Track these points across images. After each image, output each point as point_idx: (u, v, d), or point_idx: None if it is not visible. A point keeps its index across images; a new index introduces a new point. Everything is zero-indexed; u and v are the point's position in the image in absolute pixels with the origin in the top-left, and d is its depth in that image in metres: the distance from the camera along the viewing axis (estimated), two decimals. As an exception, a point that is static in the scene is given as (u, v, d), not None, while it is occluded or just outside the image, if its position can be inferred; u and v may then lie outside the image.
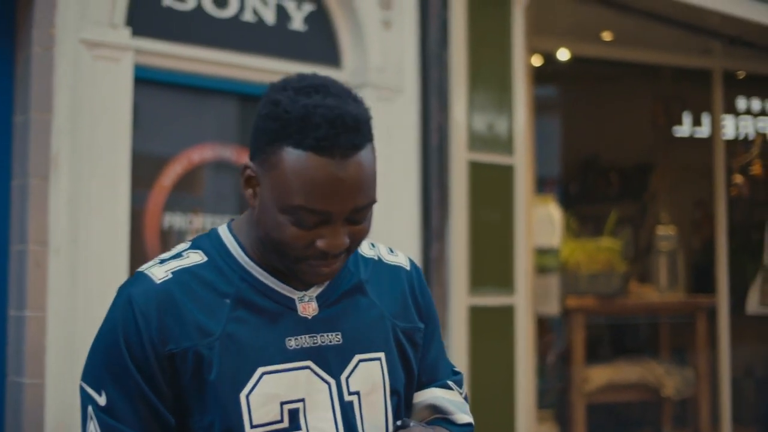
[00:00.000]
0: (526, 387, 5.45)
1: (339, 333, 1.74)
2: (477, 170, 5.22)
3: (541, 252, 6.14)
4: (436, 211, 5.05)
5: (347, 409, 1.72)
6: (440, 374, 1.94)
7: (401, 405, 1.83)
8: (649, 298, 7.27)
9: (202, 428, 1.63)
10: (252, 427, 1.63)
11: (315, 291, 1.75)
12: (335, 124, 1.56)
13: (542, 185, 7.29)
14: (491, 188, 5.32)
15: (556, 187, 8.24)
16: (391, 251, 1.95)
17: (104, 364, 1.64)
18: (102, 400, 1.62)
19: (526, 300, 5.45)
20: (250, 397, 1.63)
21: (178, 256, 1.73)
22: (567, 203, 7.61)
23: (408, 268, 1.93)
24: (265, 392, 1.64)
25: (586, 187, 8.99)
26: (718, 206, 7.43)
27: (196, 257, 1.72)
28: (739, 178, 8.34)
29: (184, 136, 4.60)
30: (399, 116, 5.01)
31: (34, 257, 3.83)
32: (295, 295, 1.73)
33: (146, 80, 4.29)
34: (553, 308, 6.30)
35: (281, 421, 1.65)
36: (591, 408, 6.56)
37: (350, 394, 1.73)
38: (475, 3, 5.30)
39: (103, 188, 4.04)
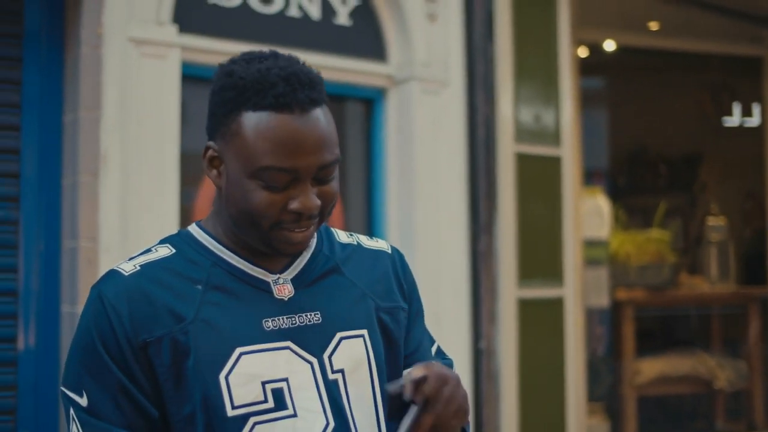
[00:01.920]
0: (576, 380, 5.43)
1: (318, 312, 1.71)
2: (524, 162, 5.21)
3: (590, 244, 6.10)
4: (484, 204, 5.03)
5: (332, 388, 1.67)
6: (428, 359, 1.88)
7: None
8: (699, 290, 7.19)
9: (182, 420, 1.61)
10: (234, 407, 1.59)
11: (289, 274, 1.73)
12: (291, 81, 1.60)
13: (590, 177, 7.25)
14: (539, 180, 5.30)
15: (604, 179, 8.19)
16: (371, 238, 1.94)
17: (82, 364, 1.63)
18: (83, 401, 1.60)
19: (575, 292, 5.43)
20: (230, 378, 1.60)
21: (146, 251, 1.72)
22: (615, 195, 7.56)
23: (389, 251, 1.91)
24: (245, 372, 1.61)
25: (635, 179, 8.93)
26: (770, 196, 7.34)
27: (165, 251, 1.71)
28: (790, 168, 8.24)
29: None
30: (445, 110, 5.00)
31: (86, 254, 3.87)
32: (269, 277, 1.71)
33: (193, 77, 4.32)
34: (602, 300, 6.26)
35: (265, 401, 1.62)
36: (642, 400, 6.51)
37: (334, 372, 1.69)
38: (521, -5, 5.29)
39: (153, 185, 4.07)
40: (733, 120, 8.99)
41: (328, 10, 4.77)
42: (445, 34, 5.05)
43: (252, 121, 1.59)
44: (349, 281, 1.79)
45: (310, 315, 1.70)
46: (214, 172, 1.68)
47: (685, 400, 7.17)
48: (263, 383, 1.62)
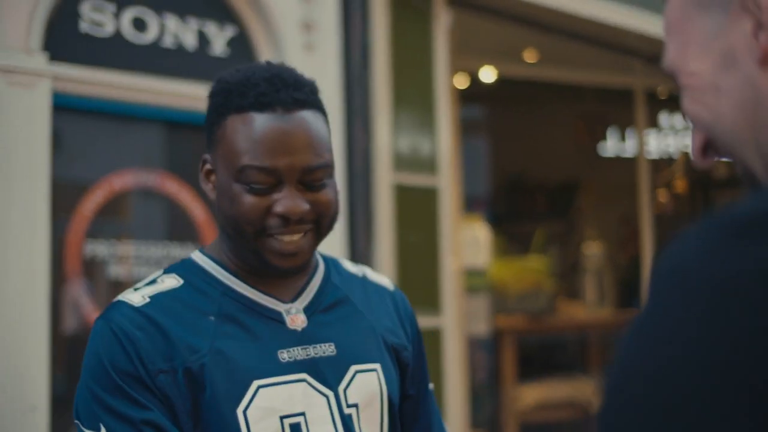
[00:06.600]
0: (458, 406, 5.45)
1: (332, 344, 1.67)
2: (402, 193, 5.23)
3: (470, 273, 6.15)
4: (362, 235, 5.03)
5: (347, 422, 1.64)
6: (427, 409, 1.90)
7: (396, 419, 1.76)
8: (577, 316, 7.32)
9: None
10: None
11: (301, 303, 1.69)
12: (273, 82, 1.58)
13: (470, 205, 7.33)
14: (417, 210, 5.32)
15: (485, 207, 8.29)
16: (375, 272, 1.92)
17: (94, 396, 1.54)
18: None
19: (453, 321, 5.45)
20: (248, 412, 1.55)
21: (152, 282, 1.66)
22: (495, 222, 7.65)
23: (392, 289, 1.89)
24: (263, 406, 1.56)
25: (513, 206, 9.06)
26: (644, 223, 7.52)
27: (172, 281, 1.66)
28: (663, 195, 8.47)
29: (105, 163, 4.54)
30: (323, 139, 4.99)
31: (-50, 289, 3.75)
32: (281, 307, 1.67)
33: (65, 107, 4.23)
34: (482, 328, 6.32)
35: None
36: (524, 427, 6.58)
37: (349, 406, 1.65)
38: (397, 25, 5.32)
39: (22, 217, 3.97)
40: (608, 148, 9.21)
41: (203, 41, 4.73)
42: (323, 64, 5.05)
43: (235, 123, 1.57)
44: (360, 312, 1.77)
45: (324, 346, 1.67)
46: (209, 185, 1.66)
47: (565, 426, 7.27)
48: (281, 418, 1.58)
